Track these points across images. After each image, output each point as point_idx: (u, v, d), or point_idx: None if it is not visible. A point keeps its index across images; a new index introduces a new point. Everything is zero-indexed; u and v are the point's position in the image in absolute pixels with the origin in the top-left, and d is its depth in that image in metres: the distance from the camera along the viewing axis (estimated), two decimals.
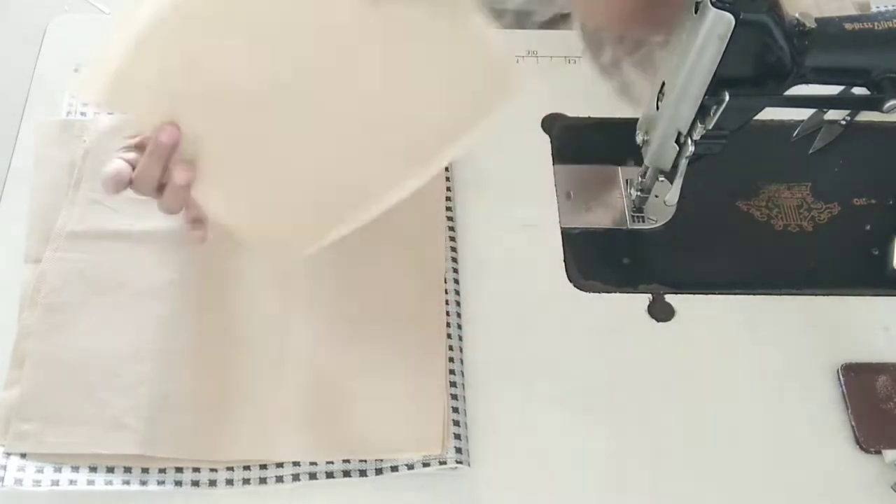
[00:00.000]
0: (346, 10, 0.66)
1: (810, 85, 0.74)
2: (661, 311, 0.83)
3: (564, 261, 0.85)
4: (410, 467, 0.73)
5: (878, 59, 0.72)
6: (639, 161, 0.84)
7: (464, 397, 0.76)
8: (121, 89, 0.67)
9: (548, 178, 0.90)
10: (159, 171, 0.69)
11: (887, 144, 0.95)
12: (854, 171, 0.92)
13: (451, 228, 0.85)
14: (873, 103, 0.73)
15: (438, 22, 0.67)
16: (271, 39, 0.67)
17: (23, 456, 0.72)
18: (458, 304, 0.81)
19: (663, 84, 0.76)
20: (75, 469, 0.71)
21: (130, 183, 0.69)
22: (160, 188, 0.70)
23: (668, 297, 0.83)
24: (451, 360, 0.77)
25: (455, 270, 0.83)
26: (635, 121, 0.81)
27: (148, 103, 0.67)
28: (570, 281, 0.84)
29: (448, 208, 0.86)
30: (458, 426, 0.74)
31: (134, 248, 0.81)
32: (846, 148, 0.93)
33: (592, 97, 0.95)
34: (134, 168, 0.70)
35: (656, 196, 0.87)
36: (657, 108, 0.77)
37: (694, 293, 0.84)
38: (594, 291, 0.84)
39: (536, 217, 0.87)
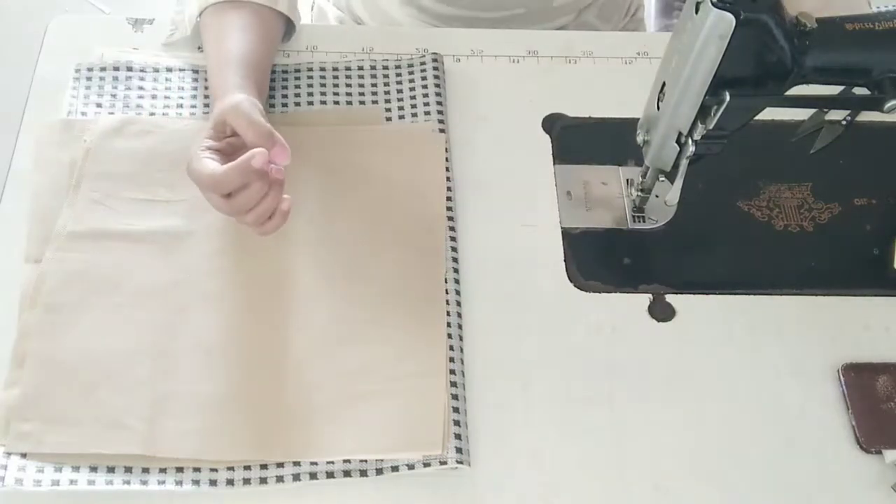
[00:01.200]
0: None
1: (811, 85, 0.74)
2: (661, 311, 0.83)
3: (564, 261, 0.85)
4: (411, 467, 0.73)
5: (878, 59, 0.72)
6: (639, 161, 0.84)
7: (464, 397, 0.76)
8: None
9: (548, 178, 0.90)
10: (266, 188, 0.74)
11: (888, 144, 0.95)
12: (854, 171, 0.92)
13: (452, 228, 0.85)
14: (874, 103, 0.73)
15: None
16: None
17: (23, 456, 0.71)
18: (458, 304, 0.81)
19: (664, 84, 0.76)
20: (76, 469, 0.71)
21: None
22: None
23: (669, 297, 0.83)
24: (451, 359, 0.77)
25: (455, 270, 0.83)
26: (635, 121, 0.81)
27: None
28: (570, 281, 0.84)
29: (448, 208, 0.86)
30: (458, 426, 0.74)
31: (134, 248, 0.81)
32: (847, 148, 0.93)
33: (592, 97, 0.95)
34: None
35: (657, 196, 0.87)
36: (658, 108, 0.77)
37: (694, 293, 0.84)
38: (594, 291, 0.84)
39: (536, 217, 0.87)
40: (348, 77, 0.94)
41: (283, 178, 0.75)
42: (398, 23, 1.09)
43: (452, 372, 0.77)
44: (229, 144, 0.77)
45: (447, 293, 0.81)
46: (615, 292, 0.84)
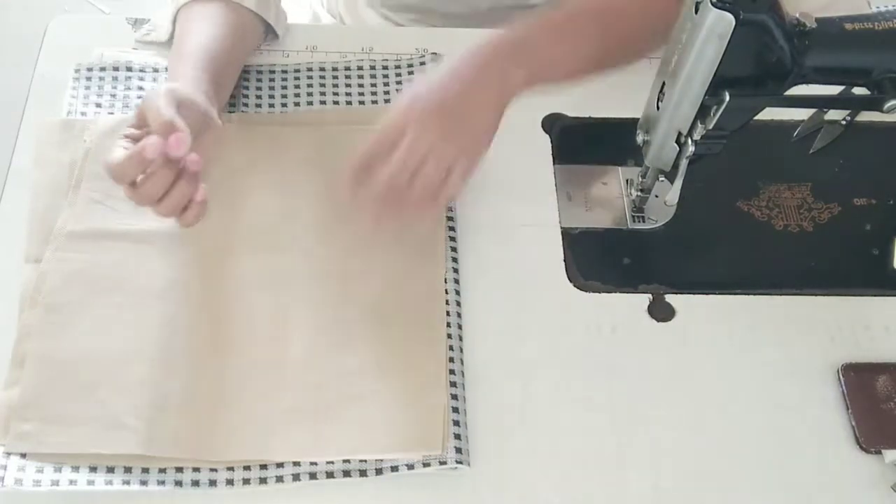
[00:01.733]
0: None
1: (810, 85, 0.74)
2: (661, 311, 0.83)
3: (564, 261, 0.85)
4: (410, 467, 0.73)
5: (878, 59, 0.72)
6: (639, 161, 0.84)
7: (464, 397, 0.76)
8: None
9: (548, 178, 0.90)
10: (172, 177, 0.71)
11: (887, 144, 0.95)
12: (854, 171, 0.92)
13: (452, 228, 0.85)
14: (873, 103, 0.73)
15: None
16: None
17: (23, 456, 0.71)
18: (458, 304, 0.81)
19: (663, 84, 0.76)
20: (75, 469, 0.71)
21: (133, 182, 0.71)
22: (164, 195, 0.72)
23: (668, 297, 0.83)
24: (451, 360, 0.77)
25: (455, 270, 0.83)
26: (635, 121, 0.81)
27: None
28: (570, 281, 0.84)
29: (448, 208, 0.86)
30: (458, 426, 0.74)
31: (134, 248, 0.81)
32: (846, 148, 0.93)
33: (592, 97, 0.95)
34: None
35: (656, 196, 0.87)
36: (657, 108, 0.77)
37: (694, 293, 0.84)
38: (594, 291, 0.84)
39: (536, 217, 0.87)
40: (348, 77, 0.94)
41: (198, 169, 0.72)
42: None
43: (452, 372, 0.77)
44: (149, 134, 0.74)
45: (447, 293, 0.81)
46: (615, 292, 0.84)
